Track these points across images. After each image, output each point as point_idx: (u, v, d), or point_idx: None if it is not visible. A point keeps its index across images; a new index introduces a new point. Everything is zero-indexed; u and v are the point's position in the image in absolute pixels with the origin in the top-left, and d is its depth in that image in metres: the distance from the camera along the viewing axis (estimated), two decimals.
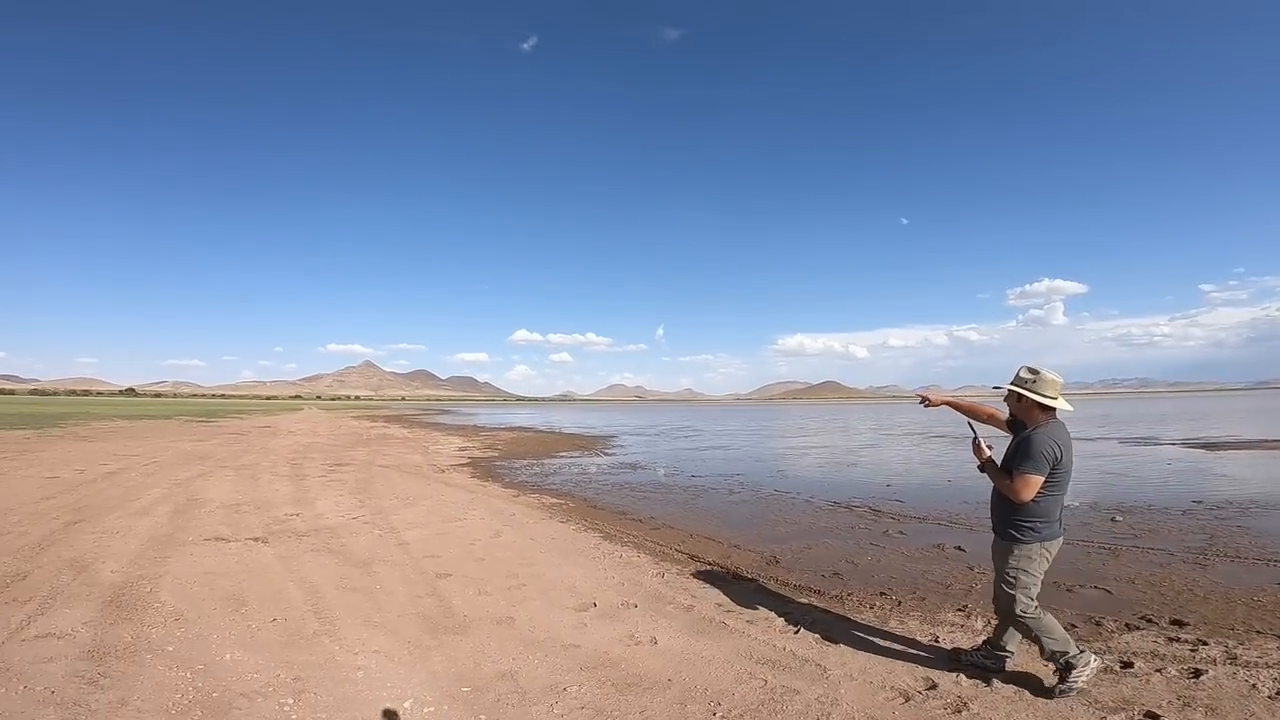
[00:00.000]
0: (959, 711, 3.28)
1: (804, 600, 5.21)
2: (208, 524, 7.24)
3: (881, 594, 5.34)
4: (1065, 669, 3.39)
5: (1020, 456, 3.42)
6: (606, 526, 8.09)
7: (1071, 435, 3.58)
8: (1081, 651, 3.44)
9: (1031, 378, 3.51)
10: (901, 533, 7.70)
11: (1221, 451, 17.52)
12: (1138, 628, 4.45)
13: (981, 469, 3.65)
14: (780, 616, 4.77)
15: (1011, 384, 3.59)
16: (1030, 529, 3.48)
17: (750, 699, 3.44)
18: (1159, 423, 33.36)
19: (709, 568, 6.18)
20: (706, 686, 3.58)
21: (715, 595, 5.28)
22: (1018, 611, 3.48)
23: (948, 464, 15.92)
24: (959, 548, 7.06)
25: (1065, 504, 3.64)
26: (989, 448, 3.64)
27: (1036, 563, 3.50)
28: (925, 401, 4.16)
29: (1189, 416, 40.26)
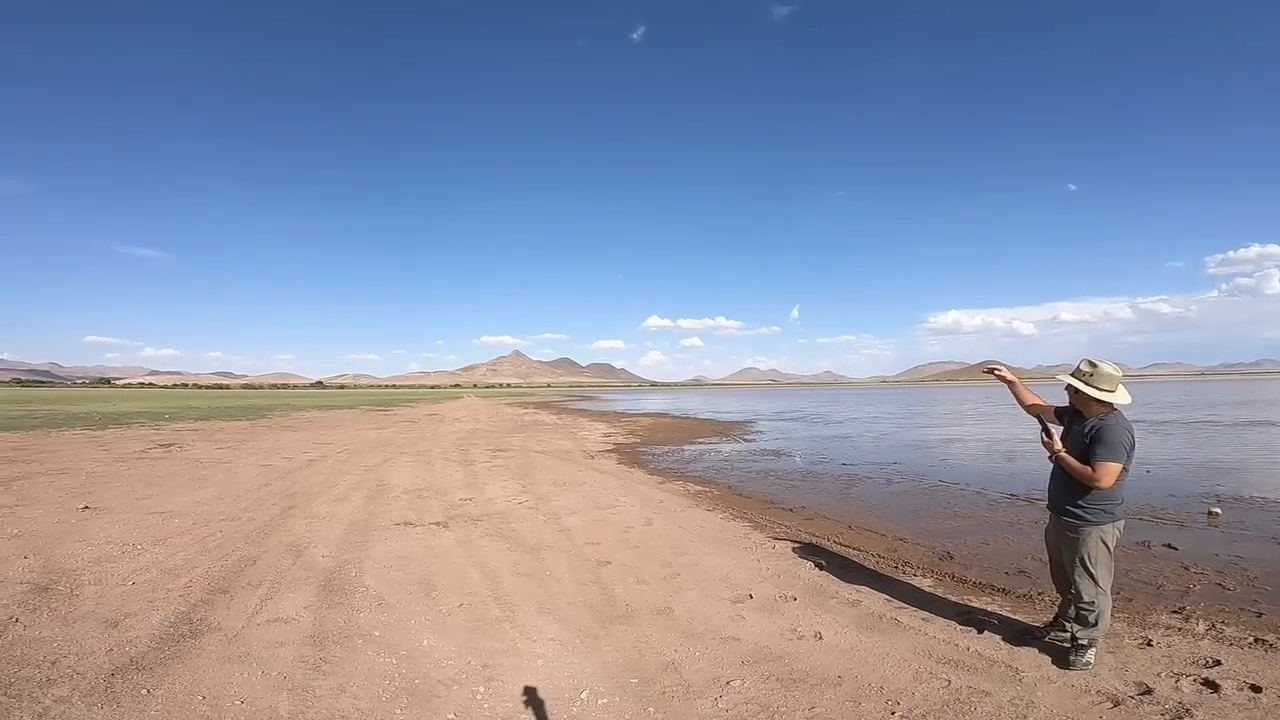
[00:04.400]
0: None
1: (985, 599, 4.85)
2: (396, 509, 8.08)
3: None
4: (1086, 646, 3.63)
5: (1101, 446, 3.54)
6: (755, 515, 8.00)
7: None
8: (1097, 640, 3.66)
9: (1090, 371, 3.66)
10: None
11: None
12: None
13: (1053, 459, 3.79)
14: (959, 615, 4.47)
15: (1072, 375, 3.74)
16: (1106, 512, 3.64)
17: (933, 699, 3.26)
18: None
19: (873, 562, 5.91)
20: (881, 685, 3.44)
21: (883, 590, 5.04)
22: (1087, 590, 3.63)
23: (1145, 454, 13.99)
24: (1169, 545, 6.30)
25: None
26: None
27: (1111, 544, 3.68)
28: (993, 373, 4.24)
29: None
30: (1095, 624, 3.66)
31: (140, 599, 4.57)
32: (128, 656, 3.62)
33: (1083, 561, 3.66)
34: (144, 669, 3.48)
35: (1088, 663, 3.59)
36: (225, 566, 5.41)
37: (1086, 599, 3.64)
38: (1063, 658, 3.68)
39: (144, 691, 3.24)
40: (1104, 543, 3.65)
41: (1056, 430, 3.93)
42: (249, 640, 3.92)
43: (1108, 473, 3.52)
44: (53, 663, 3.54)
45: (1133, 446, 3.59)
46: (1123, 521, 3.74)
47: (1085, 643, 3.65)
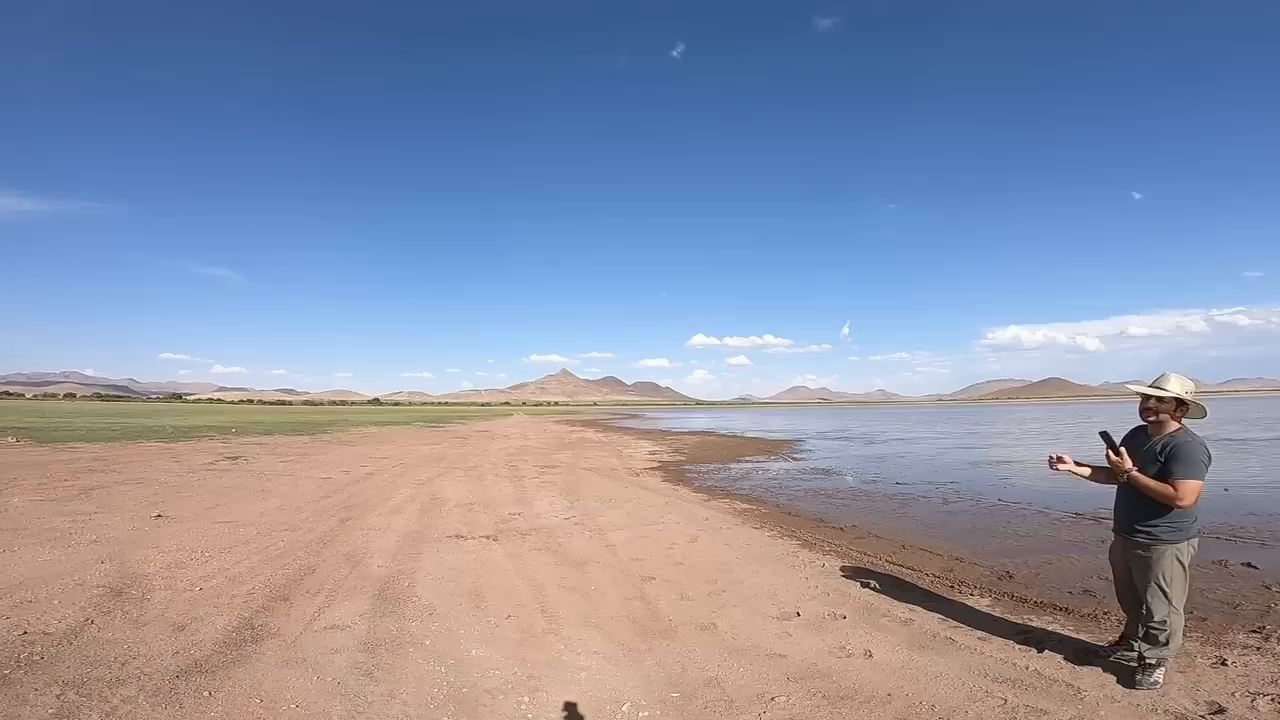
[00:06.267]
0: None
1: (1047, 618, 4.65)
2: (448, 522, 8.26)
3: None
4: (1154, 666, 3.48)
5: (1180, 463, 3.44)
6: (804, 534, 7.84)
7: None
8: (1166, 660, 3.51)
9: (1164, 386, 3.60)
10: None
11: None
12: None
13: (1123, 478, 3.63)
14: (1018, 634, 4.30)
15: (1151, 385, 3.64)
16: (1180, 530, 3.52)
17: (987, 718, 3.15)
18: None
19: (928, 582, 5.71)
20: (934, 703, 3.33)
21: (938, 609, 4.87)
22: (1158, 610, 3.48)
23: (1222, 472, 13.13)
24: (1249, 564, 5.97)
25: None
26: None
27: (1186, 563, 3.56)
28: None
29: None
30: (1166, 644, 3.51)
31: (206, 604, 4.80)
32: (192, 659, 3.80)
33: (1158, 581, 3.52)
34: (207, 672, 3.64)
35: (1155, 682, 3.45)
36: (286, 575, 5.63)
37: (1159, 618, 3.50)
38: (1129, 677, 3.52)
39: (206, 694, 3.39)
40: (1179, 561, 3.53)
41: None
42: (306, 646, 4.06)
43: (1190, 491, 3.42)
44: (122, 664, 3.72)
45: (1210, 462, 3.49)
46: (1197, 539, 3.62)
47: (1153, 662, 3.51)
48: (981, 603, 5.07)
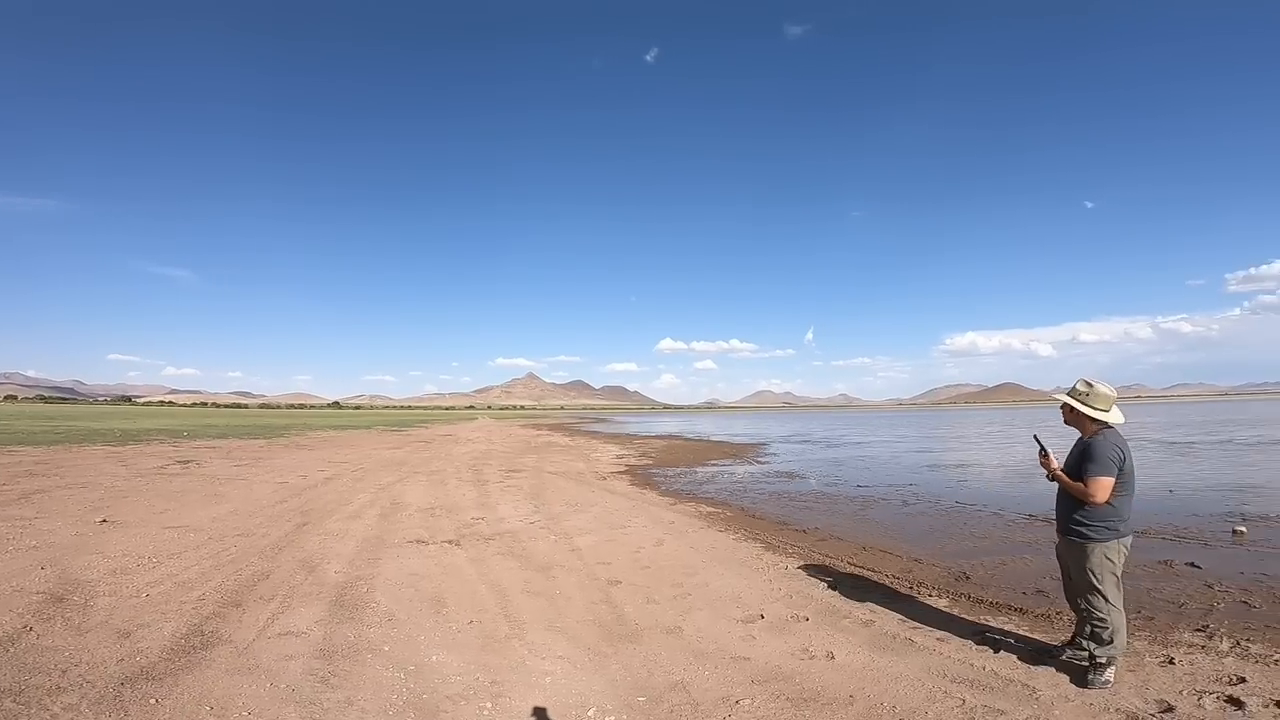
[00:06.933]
0: None
1: (1002, 619, 4.78)
2: (408, 527, 8.10)
3: None
4: (1105, 665, 3.60)
5: (1091, 461, 3.65)
6: (768, 537, 7.92)
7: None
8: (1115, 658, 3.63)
9: (1086, 391, 3.79)
10: None
11: None
12: None
13: (1051, 479, 3.90)
14: (975, 635, 4.41)
15: (1068, 394, 3.86)
16: (1106, 528, 3.67)
17: (946, 718, 3.22)
18: None
19: (888, 582, 5.82)
20: (894, 704, 3.39)
21: (897, 611, 4.96)
22: (1097, 606, 3.65)
23: (1167, 473, 13.72)
24: (1192, 564, 6.23)
25: None
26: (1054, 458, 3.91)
27: (1115, 560, 3.69)
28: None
29: None
30: (1111, 641, 3.64)
31: (153, 611, 4.61)
32: (138, 667, 3.65)
33: (1090, 578, 3.69)
34: (153, 679, 3.50)
35: (1106, 681, 3.55)
36: (238, 580, 5.44)
37: (1098, 615, 3.65)
38: (1081, 676, 3.63)
39: (152, 701, 3.25)
40: (1108, 558, 3.68)
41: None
42: (259, 653, 3.93)
43: (1099, 487, 3.62)
44: (63, 671, 3.56)
45: (1123, 461, 3.66)
46: (1129, 538, 3.77)
47: (1104, 661, 3.62)
48: (940, 603, 5.18)
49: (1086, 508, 3.70)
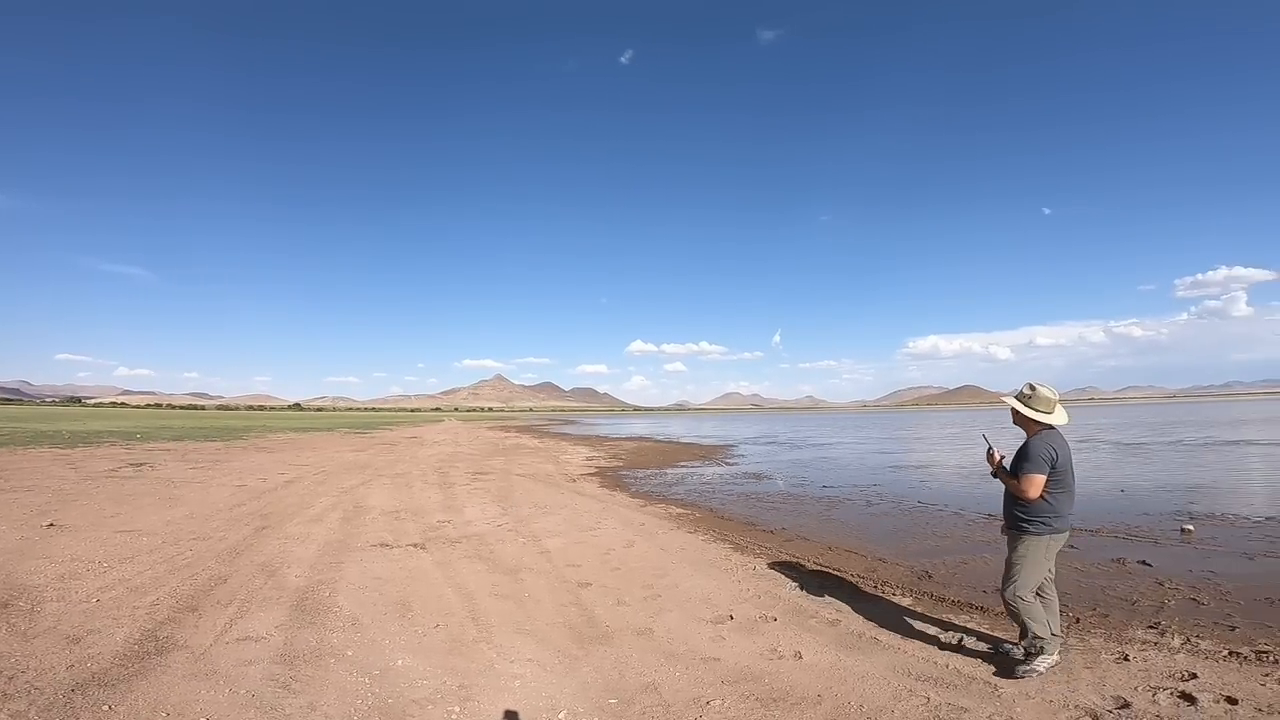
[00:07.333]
0: None
1: (964, 617, 4.89)
2: (373, 531, 7.94)
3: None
4: (1036, 653, 3.78)
5: (1024, 460, 3.85)
6: (736, 538, 7.98)
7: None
8: (1053, 638, 3.81)
9: (1030, 393, 3.96)
10: (1073, 548, 6.93)
11: None
12: None
13: (994, 474, 4.13)
14: (939, 633, 4.51)
15: (1015, 396, 4.03)
16: (1041, 523, 3.83)
17: (912, 716, 3.29)
18: None
19: (853, 582, 5.91)
20: (861, 703, 3.45)
21: (862, 610, 5.05)
22: (1008, 595, 3.84)
23: (1119, 473, 14.23)
24: (1144, 562, 6.44)
25: None
26: (1001, 456, 4.13)
27: (1041, 554, 3.85)
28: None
29: None
30: (1037, 634, 3.79)
31: (104, 616, 4.44)
32: (89, 673, 3.52)
33: (1011, 563, 3.89)
34: (106, 685, 3.37)
35: (1031, 670, 3.71)
36: (194, 585, 5.28)
37: (1013, 608, 3.84)
38: (1011, 669, 3.78)
39: (105, 708, 3.14)
40: (1034, 550, 3.84)
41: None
42: (217, 658, 3.82)
43: (1031, 484, 3.78)
44: (10, 678, 3.43)
45: (1055, 460, 3.79)
46: (1064, 534, 3.93)
47: (1033, 651, 3.81)
48: (904, 602, 5.29)
49: (1024, 504, 3.86)
